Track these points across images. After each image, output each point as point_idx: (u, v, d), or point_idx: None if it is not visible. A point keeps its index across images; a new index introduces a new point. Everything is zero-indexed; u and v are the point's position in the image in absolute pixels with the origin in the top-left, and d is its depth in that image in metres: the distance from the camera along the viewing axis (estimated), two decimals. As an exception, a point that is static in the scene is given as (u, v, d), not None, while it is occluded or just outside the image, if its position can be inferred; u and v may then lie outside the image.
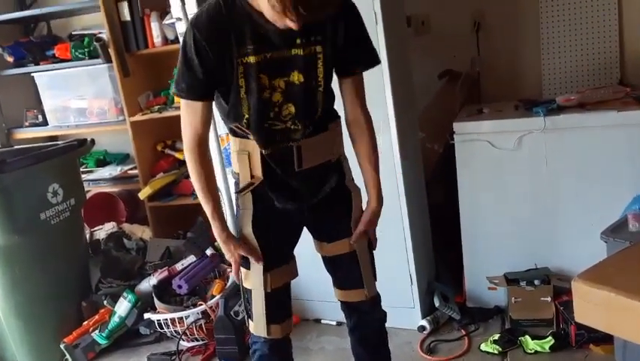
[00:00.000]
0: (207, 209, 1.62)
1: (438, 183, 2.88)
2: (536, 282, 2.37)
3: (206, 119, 1.55)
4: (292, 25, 1.31)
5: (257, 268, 1.66)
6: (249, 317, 1.73)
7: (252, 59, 1.45)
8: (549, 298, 2.35)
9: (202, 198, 1.62)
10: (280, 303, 1.73)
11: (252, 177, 1.61)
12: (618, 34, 2.70)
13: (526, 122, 2.39)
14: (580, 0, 2.72)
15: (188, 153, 1.58)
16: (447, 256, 2.79)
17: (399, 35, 2.48)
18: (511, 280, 2.42)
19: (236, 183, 1.68)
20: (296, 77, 1.50)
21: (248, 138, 1.58)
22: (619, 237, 1.94)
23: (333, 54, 1.53)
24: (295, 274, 1.77)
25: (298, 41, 1.46)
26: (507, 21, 2.91)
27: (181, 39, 2.74)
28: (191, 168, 1.60)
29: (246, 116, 1.52)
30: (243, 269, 1.70)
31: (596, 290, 1.37)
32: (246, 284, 1.71)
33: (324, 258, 1.79)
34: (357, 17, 1.56)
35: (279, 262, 1.69)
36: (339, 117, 1.69)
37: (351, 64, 1.60)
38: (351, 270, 1.74)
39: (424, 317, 2.51)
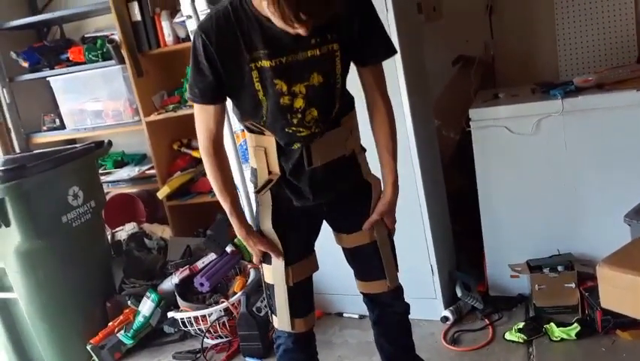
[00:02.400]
0: (226, 206, 1.64)
1: (456, 171, 2.86)
2: (560, 268, 2.34)
3: (220, 120, 1.56)
4: (300, 31, 1.29)
5: (278, 262, 1.66)
6: (272, 312, 1.74)
7: (266, 64, 1.43)
8: (573, 285, 2.32)
9: (220, 196, 1.63)
10: (303, 297, 1.73)
11: (270, 172, 1.61)
12: (634, 12, 2.63)
13: (544, 106, 2.34)
14: (595, -22, 2.66)
15: (203, 153, 1.60)
16: (467, 244, 2.77)
17: (410, 22, 2.45)
18: (533, 267, 2.39)
19: (254, 179, 1.68)
20: (316, 79, 1.47)
21: (263, 134, 1.58)
22: (643, 219, 1.90)
23: (350, 48, 1.51)
24: (316, 267, 1.77)
25: (313, 41, 1.43)
26: (520, 2, 2.86)
27: (192, 36, 2.78)
28: (208, 166, 1.61)
29: (264, 118, 1.52)
30: (264, 265, 1.71)
31: (622, 274, 1.36)
32: (268, 279, 1.71)
33: (344, 250, 1.78)
34: (371, 9, 1.53)
35: (299, 256, 1.69)
36: (353, 108, 1.67)
37: (369, 56, 1.58)
38: (372, 261, 1.73)
39: (446, 307, 2.50)
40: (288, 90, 1.46)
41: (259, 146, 1.61)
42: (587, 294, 2.27)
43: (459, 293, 2.54)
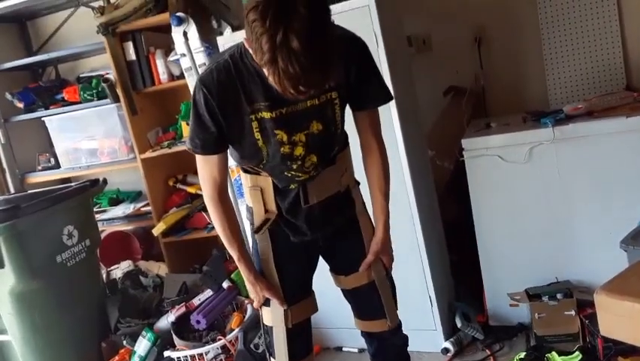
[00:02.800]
0: (233, 253, 1.64)
1: (451, 201, 2.86)
2: (559, 296, 2.32)
3: (224, 168, 1.58)
4: (299, 97, 1.29)
5: (277, 304, 1.66)
6: (271, 354, 1.72)
7: (266, 115, 1.44)
8: (573, 312, 2.31)
9: (227, 243, 1.64)
10: (301, 338, 1.72)
11: (267, 211, 1.62)
12: (620, 40, 2.68)
13: (535, 134, 2.37)
14: (579, 8, 2.71)
15: (209, 202, 1.60)
16: (466, 274, 2.75)
17: (400, 55, 2.49)
18: (532, 295, 2.38)
19: (250, 217, 1.69)
20: (315, 127, 1.49)
21: (259, 175, 1.59)
22: (639, 245, 1.90)
23: (347, 95, 1.53)
24: (315, 308, 1.77)
25: (312, 92, 1.43)
26: (508, 34, 2.91)
27: (186, 74, 2.82)
28: (214, 215, 1.62)
29: (264, 161, 1.53)
30: (263, 306, 1.71)
31: (620, 301, 1.35)
32: (267, 321, 1.71)
33: (343, 290, 1.78)
34: (368, 56, 1.54)
35: (298, 297, 1.69)
36: (348, 144, 1.69)
37: (365, 102, 1.59)
38: (371, 301, 1.72)
39: (446, 338, 2.47)
40: (288, 140, 1.48)
41: (255, 186, 1.62)
42: (587, 321, 2.25)
43: (459, 324, 2.51)
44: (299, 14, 1.17)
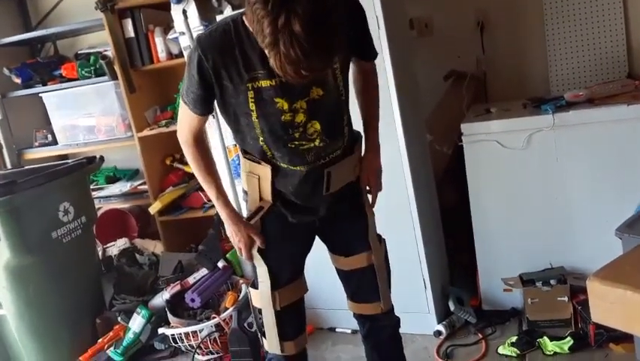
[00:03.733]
0: (211, 191, 1.64)
1: (449, 186, 2.86)
2: (552, 282, 2.33)
3: (203, 124, 1.59)
4: (300, 80, 1.28)
5: (265, 287, 1.66)
6: (262, 334, 1.73)
7: (264, 83, 1.43)
8: (566, 298, 2.32)
9: (204, 182, 1.64)
10: (292, 320, 1.72)
11: (261, 199, 1.61)
12: (624, 28, 2.66)
13: (535, 120, 2.36)
14: (584, -5, 2.69)
15: (184, 144, 1.61)
16: (460, 258, 2.76)
17: (402, 38, 2.47)
18: (526, 280, 2.39)
19: (246, 197, 1.68)
20: (315, 93, 1.47)
21: (259, 164, 1.57)
22: (634, 232, 1.90)
23: (346, 58, 1.53)
24: (305, 290, 1.76)
25: (313, 75, 1.41)
26: (511, 19, 2.89)
27: (185, 53, 2.79)
28: (190, 155, 1.62)
29: (261, 138, 1.51)
30: (251, 289, 1.71)
31: (612, 289, 1.35)
32: (256, 303, 1.71)
33: (338, 271, 1.78)
34: (361, 14, 1.55)
35: (288, 279, 1.69)
36: (361, 136, 1.70)
37: (359, 55, 1.62)
38: (368, 283, 1.73)
39: (439, 321, 2.48)
40: (289, 108, 1.46)
41: (252, 173, 1.60)
42: (579, 308, 2.26)
43: (452, 307, 2.52)
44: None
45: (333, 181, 1.58)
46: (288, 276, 1.68)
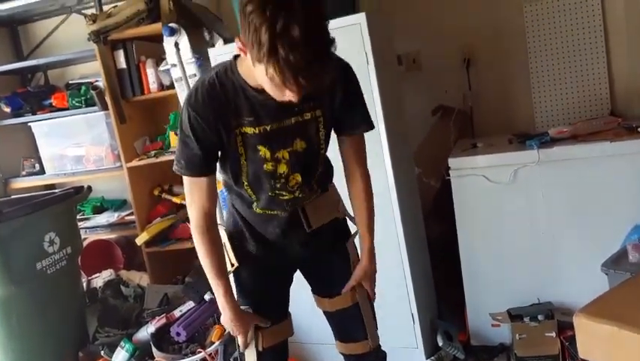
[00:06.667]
0: (219, 290, 1.57)
1: (436, 219, 2.87)
2: (540, 317, 2.33)
3: (212, 193, 1.52)
4: (292, 97, 1.27)
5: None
6: None
7: (249, 130, 1.44)
8: (554, 334, 2.31)
9: (212, 279, 1.57)
10: (274, 358, 1.70)
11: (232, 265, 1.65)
12: (606, 67, 2.73)
13: (521, 156, 2.40)
14: (567, 34, 2.76)
15: (196, 230, 1.53)
16: (449, 293, 2.75)
17: (390, 73, 2.52)
18: (514, 315, 2.39)
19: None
20: (299, 145, 1.48)
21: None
22: (619, 268, 1.92)
23: (331, 117, 1.52)
24: (290, 332, 1.75)
25: (297, 109, 1.44)
26: (496, 57, 2.95)
27: (176, 85, 2.82)
28: (201, 245, 1.54)
29: (245, 183, 1.52)
30: None
31: (599, 325, 1.36)
32: (239, 342, 1.69)
33: (324, 312, 1.77)
34: (355, 81, 1.54)
35: (274, 320, 1.68)
36: (332, 174, 1.70)
37: (348, 127, 1.59)
38: (354, 322, 1.72)
39: (427, 357, 2.46)
40: (271, 157, 1.47)
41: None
42: (567, 343, 2.26)
43: (440, 343, 2.51)
44: (298, 8, 1.17)
45: (311, 216, 1.59)
46: (272, 314, 1.67)
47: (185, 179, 1.51)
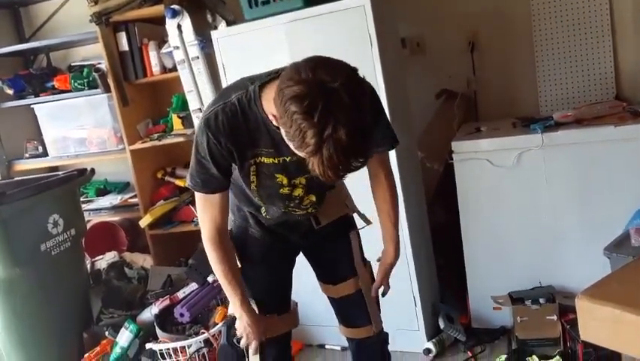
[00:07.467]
0: (235, 300, 1.59)
1: (439, 203, 2.87)
2: (541, 300, 2.34)
3: (224, 208, 1.53)
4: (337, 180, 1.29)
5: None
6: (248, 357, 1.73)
7: (267, 160, 1.44)
8: (555, 317, 2.32)
9: (228, 290, 1.59)
10: (277, 352, 1.73)
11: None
12: (612, 50, 2.71)
13: (524, 140, 2.39)
14: (573, 17, 2.74)
15: (209, 244, 1.55)
16: (451, 276, 2.76)
17: (394, 57, 2.50)
18: (515, 299, 2.40)
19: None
20: None
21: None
22: (622, 252, 1.92)
23: None
24: (295, 323, 1.78)
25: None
26: (501, 40, 2.93)
27: (179, 67, 2.81)
28: (214, 257, 1.56)
29: (261, 204, 1.57)
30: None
31: (601, 307, 1.36)
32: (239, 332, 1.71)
33: (329, 298, 1.80)
34: (377, 101, 1.52)
35: (276, 309, 1.70)
36: None
37: (373, 145, 1.58)
38: (358, 308, 1.75)
39: (429, 339, 2.48)
40: (288, 183, 1.49)
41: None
42: (568, 326, 2.27)
43: (442, 325, 2.52)
44: (344, 105, 1.13)
45: (320, 215, 1.65)
46: (275, 308, 1.70)
47: (198, 194, 1.51)
